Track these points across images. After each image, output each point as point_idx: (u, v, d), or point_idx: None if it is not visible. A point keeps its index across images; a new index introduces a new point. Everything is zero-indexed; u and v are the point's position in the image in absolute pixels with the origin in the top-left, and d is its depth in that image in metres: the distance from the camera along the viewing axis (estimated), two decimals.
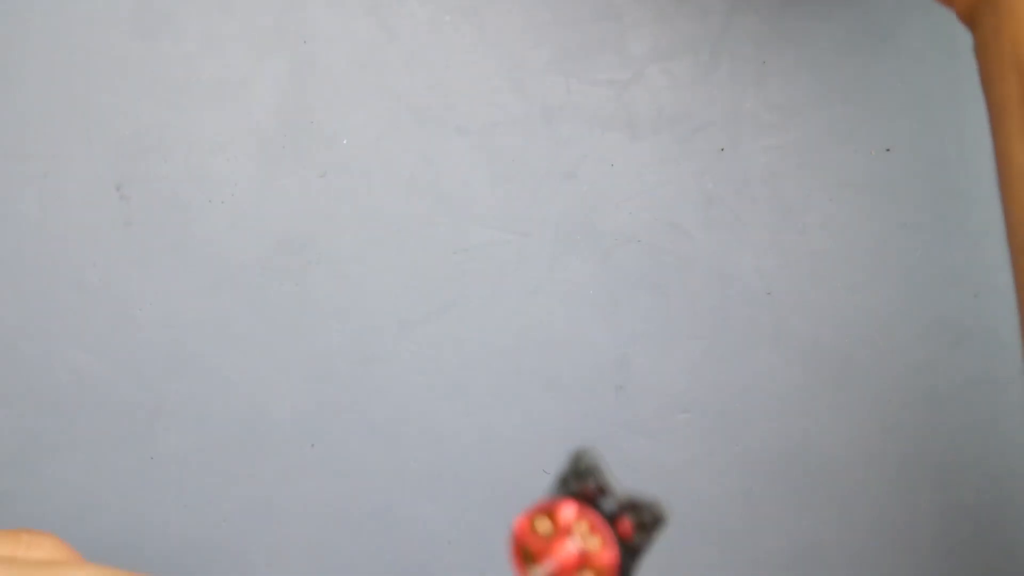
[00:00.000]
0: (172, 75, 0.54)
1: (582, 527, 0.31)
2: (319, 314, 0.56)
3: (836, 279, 0.57)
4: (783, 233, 0.56)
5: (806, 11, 0.56)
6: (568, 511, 0.30)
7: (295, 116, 0.54)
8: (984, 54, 0.43)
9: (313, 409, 0.56)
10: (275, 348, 0.56)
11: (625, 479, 0.56)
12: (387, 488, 0.56)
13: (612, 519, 0.31)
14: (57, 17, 0.54)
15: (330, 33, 0.54)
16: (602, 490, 0.31)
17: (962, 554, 0.56)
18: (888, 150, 0.55)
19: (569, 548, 0.30)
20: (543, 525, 0.31)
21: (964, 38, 0.54)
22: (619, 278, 0.55)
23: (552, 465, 0.56)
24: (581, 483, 0.31)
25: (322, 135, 0.53)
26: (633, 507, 0.31)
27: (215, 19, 0.54)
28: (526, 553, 0.31)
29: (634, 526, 0.31)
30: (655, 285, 0.53)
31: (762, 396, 0.55)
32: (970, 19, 0.45)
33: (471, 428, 0.56)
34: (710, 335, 0.54)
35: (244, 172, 0.55)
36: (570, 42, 0.51)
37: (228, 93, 0.54)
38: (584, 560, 0.30)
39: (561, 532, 0.30)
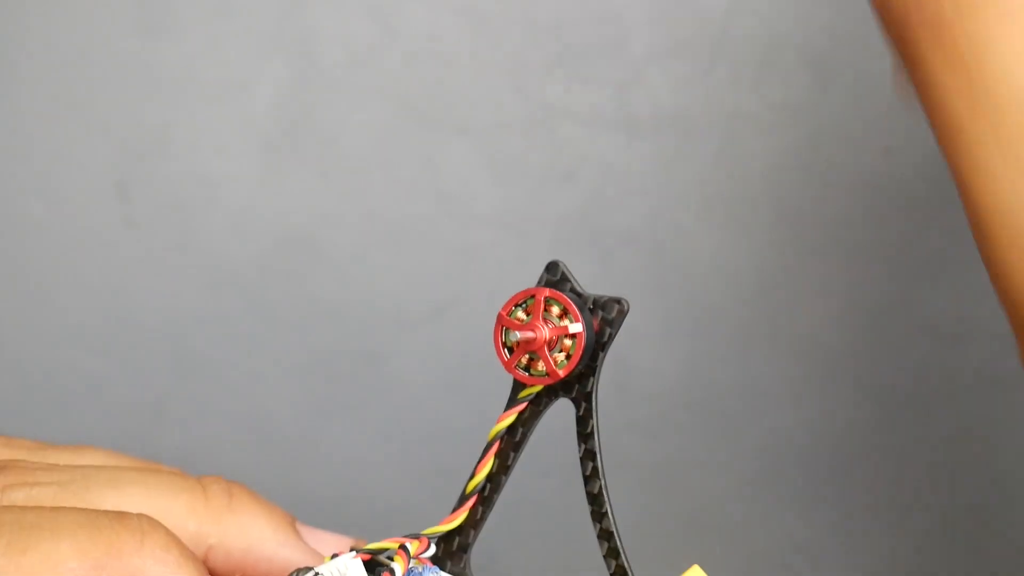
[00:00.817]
0: (172, 75, 0.55)
1: (556, 310, 0.34)
2: (319, 314, 0.56)
3: (836, 278, 0.57)
4: (783, 233, 0.56)
5: (806, 11, 0.56)
6: (543, 294, 0.34)
7: (295, 116, 0.54)
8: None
9: (313, 409, 0.56)
10: (275, 348, 0.56)
11: (624, 479, 0.56)
12: (387, 487, 0.56)
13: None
14: (57, 17, 0.54)
15: (330, 33, 0.54)
16: (574, 293, 0.35)
17: (961, 552, 0.56)
18: (888, 150, 0.55)
19: (545, 326, 0.34)
20: (522, 314, 0.35)
21: None
22: (619, 278, 0.55)
23: (556, 464, 0.56)
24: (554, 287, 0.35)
25: (322, 135, 0.53)
26: (601, 306, 0.35)
27: (215, 19, 0.54)
28: (506, 336, 0.35)
29: (602, 320, 0.35)
30: (655, 285, 0.53)
31: (762, 395, 0.56)
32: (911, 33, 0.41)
33: (472, 427, 0.56)
34: (710, 334, 0.54)
35: (244, 172, 0.55)
36: (570, 42, 0.51)
37: (228, 93, 0.54)
38: (557, 335, 0.34)
39: (537, 313, 0.34)
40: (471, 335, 0.56)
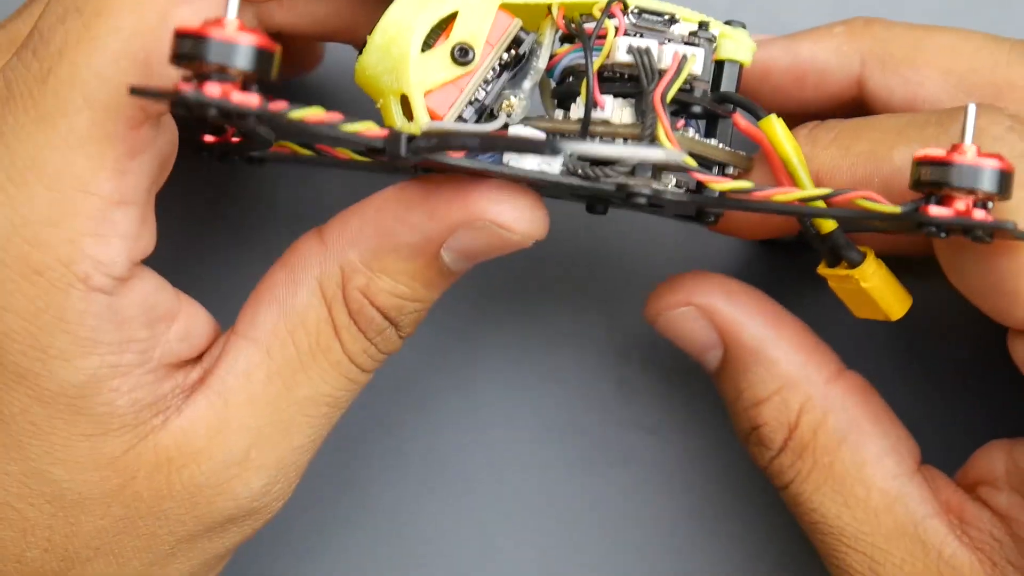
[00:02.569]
0: None
1: None
2: None
3: None
4: None
5: (806, 8, 0.56)
6: None
7: None
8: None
9: None
10: None
11: (625, 474, 0.56)
12: (387, 482, 0.56)
13: None
14: None
15: None
16: None
17: None
18: None
19: None
20: None
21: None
22: (620, 273, 0.55)
23: (554, 463, 0.56)
24: None
25: None
26: None
27: None
28: None
29: None
30: (656, 280, 0.53)
31: None
32: None
33: (471, 423, 0.56)
34: None
35: None
36: None
37: None
38: None
39: None
40: (472, 331, 0.55)
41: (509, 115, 0.43)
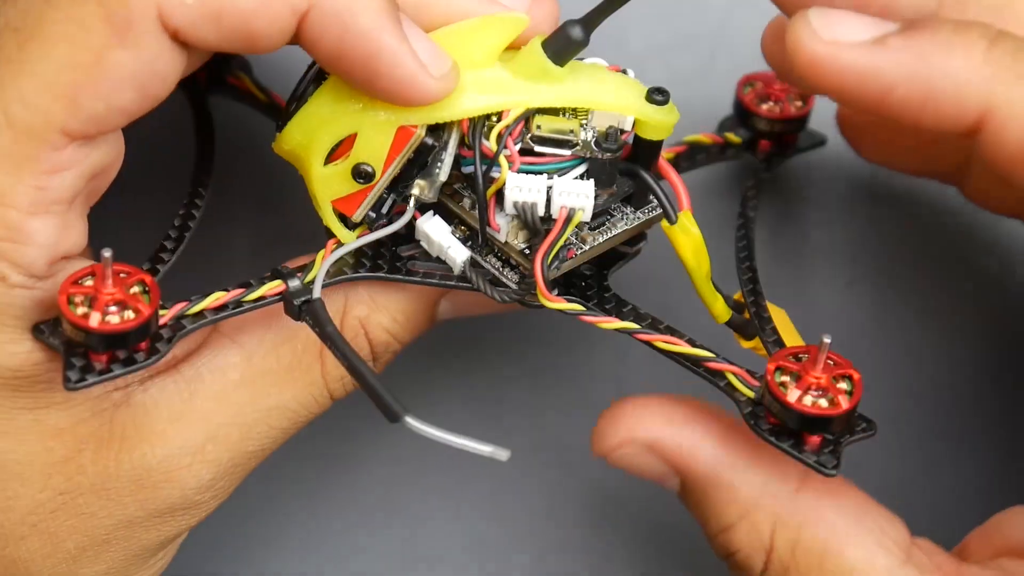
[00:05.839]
0: None
1: None
2: None
3: (840, 269, 0.57)
4: (785, 226, 0.56)
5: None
6: None
7: None
8: None
9: None
10: None
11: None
12: (387, 479, 0.57)
13: None
14: None
15: None
16: None
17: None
18: None
19: None
20: None
21: None
22: (619, 271, 0.55)
23: (550, 463, 0.56)
24: None
25: None
26: None
27: None
28: None
29: None
30: (655, 278, 0.53)
31: None
32: None
33: (471, 421, 0.56)
34: (710, 326, 0.54)
35: None
36: None
37: None
38: None
39: None
40: (472, 330, 0.56)
41: (421, 193, 0.43)
